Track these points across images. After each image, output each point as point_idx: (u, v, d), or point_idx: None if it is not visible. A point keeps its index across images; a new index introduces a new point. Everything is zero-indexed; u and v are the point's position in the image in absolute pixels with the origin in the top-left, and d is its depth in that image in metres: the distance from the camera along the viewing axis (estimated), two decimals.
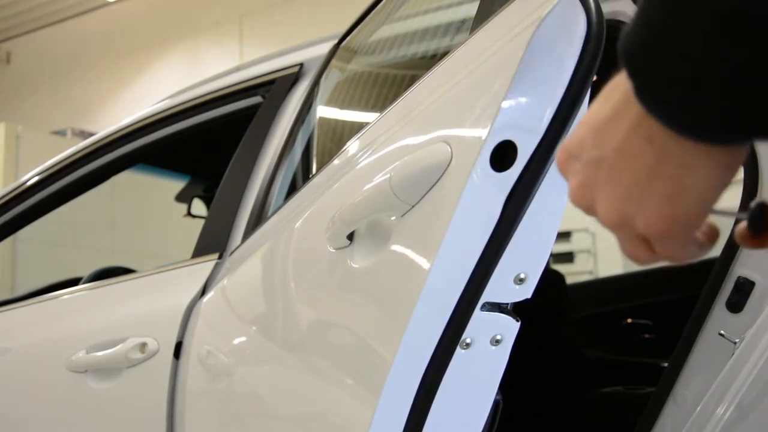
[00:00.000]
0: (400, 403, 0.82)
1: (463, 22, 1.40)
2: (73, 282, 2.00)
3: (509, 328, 0.84)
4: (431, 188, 0.83)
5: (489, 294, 0.82)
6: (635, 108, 0.38)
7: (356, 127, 1.37)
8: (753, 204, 0.37)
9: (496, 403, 0.89)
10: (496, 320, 0.84)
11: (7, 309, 1.71)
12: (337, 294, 0.97)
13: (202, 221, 1.79)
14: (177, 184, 2.74)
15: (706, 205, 0.38)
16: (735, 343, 0.95)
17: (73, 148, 1.91)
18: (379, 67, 1.70)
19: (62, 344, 1.48)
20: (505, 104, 0.79)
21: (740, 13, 0.31)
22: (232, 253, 1.41)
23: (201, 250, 1.50)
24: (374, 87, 1.67)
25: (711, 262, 1.12)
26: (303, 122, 1.56)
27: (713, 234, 0.41)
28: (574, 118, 0.79)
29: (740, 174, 1.05)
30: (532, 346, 2.28)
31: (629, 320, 2.66)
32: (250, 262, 1.29)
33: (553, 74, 0.79)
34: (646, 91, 0.36)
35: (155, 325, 1.40)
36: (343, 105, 1.67)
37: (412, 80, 1.02)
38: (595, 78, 0.81)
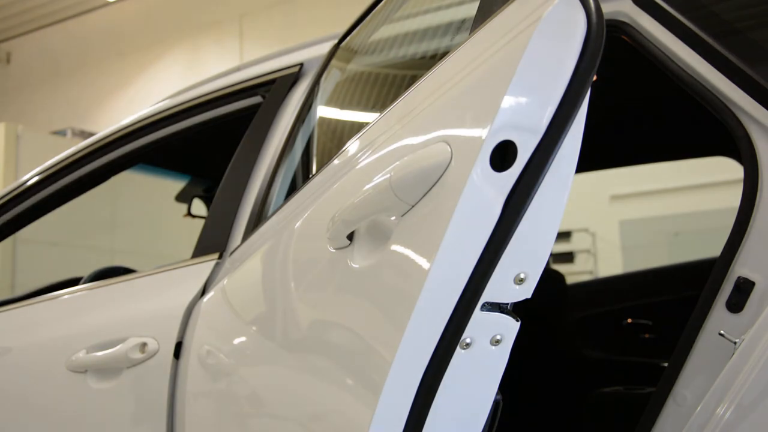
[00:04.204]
0: (400, 403, 0.82)
1: (463, 22, 1.40)
2: (73, 282, 2.00)
3: (509, 328, 0.84)
4: (431, 188, 0.83)
5: (489, 294, 0.82)
6: None
7: (356, 127, 1.37)
8: None
9: (496, 403, 0.89)
10: (496, 320, 0.84)
11: (7, 309, 1.71)
12: (337, 294, 0.97)
13: (202, 221, 1.79)
14: (177, 184, 2.74)
15: None
16: (735, 343, 0.95)
17: (73, 148, 1.91)
18: (379, 67, 1.70)
19: (62, 344, 1.48)
20: (505, 104, 0.79)
21: None
22: (232, 253, 1.41)
23: (201, 250, 1.50)
24: (374, 87, 1.67)
25: (711, 262, 1.12)
26: (303, 122, 1.56)
27: None
28: (574, 118, 0.79)
29: (740, 174, 1.05)
30: (532, 346, 2.29)
31: (629, 320, 2.66)
32: (250, 262, 1.29)
33: (553, 74, 0.79)
34: None
35: (155, 325, 1.40)
36: (343, 105, 1.67)
37: (412, 80, 1.02)
38: (594, 78, 0.81)
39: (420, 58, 1.60)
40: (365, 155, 1.02)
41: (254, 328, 1.17)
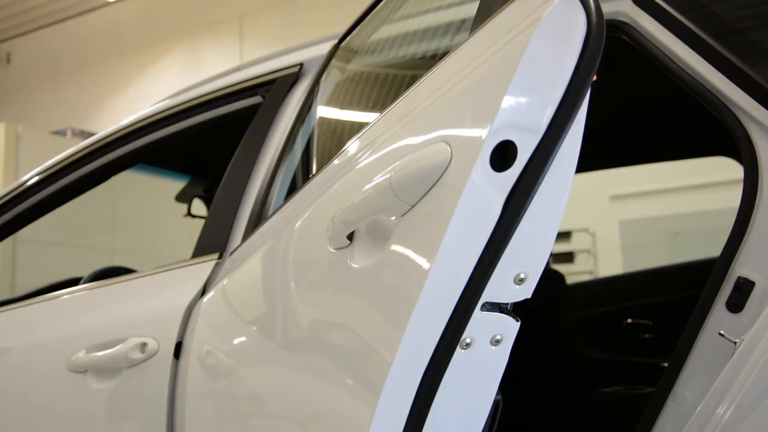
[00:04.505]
0: (400, 403, 0.82)
1: (463, 22, 1.40)
2: (73, 282, 2.00)
3: (509, 328, 0.84)
4: (431, 188, 0.83)
5: (489, 294, 0.82)
6: None
7: (356, 127, 1.37)
8: None
9: (496, 403, 0.89)
10: (496, 320, 0.84)
11: (7, 309, 1.71)
12: (337, 294, 0.97)
13: (202, 221, 1.79)
14: (177, 184, 2.74)
15: None
16: (735, 343, 0.95)
17: (73, 148, 1.91)
18: (379, 67, 1.70)
19: (62, 344, 1.48)
20: (505, 104, 0.79)
21: None
22: (232, 253, 1.41)
23: (201, 250, 1.50)
24: (374, 87, 1.67)
25: (711, 262, 1.12)
26: (303, 122, 1.56)
27: None
28: (574, 118, 0.79)
29: (740, 174, 1.05)
30: (532, 346, 2.29)
31: (629, 320, 2.66)
32: (250, 262, 1.29)
33: (553, 74, 0.79)
34: None
35: (155, 325, 1.40)
36: (343, 105, 1.67)
37: (412, 80, 1.02)
38: (594, 78, 0.81)
39: (420, 58, 1.60)
40: (365, 155, 1.02)
41: (254, 328, 1.17)
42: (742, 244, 1.00)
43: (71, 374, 1.43)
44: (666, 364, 1.05)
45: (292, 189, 1.50)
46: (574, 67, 0.79)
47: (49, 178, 1.89)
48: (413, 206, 0.85)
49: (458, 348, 0.82)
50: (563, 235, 7.11)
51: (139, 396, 1.37)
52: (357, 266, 0.92)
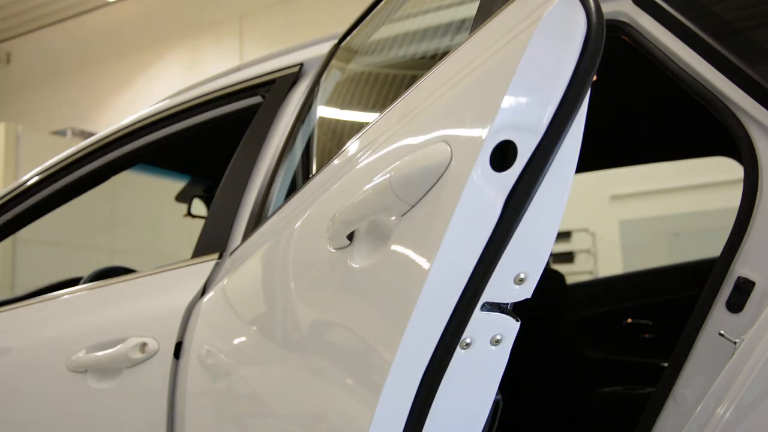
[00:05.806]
0: (400, 403, 0.82)
1: (463, 22, 1.40)
2: (73, 282, 2.00)
3: (509, 328, 0.84)
4: (431, 188, 0.83)
5: (489, 294, 0.82)
6: None
7: (356, 127, 1.37)
8: None
9: (496, 403, 0.89)
10: (496, 320, 0.84)
11: (7, 309, 1.71)
12: (337, 294, 0.97)
13: (202, 221, 1.79)
14: (177, 184, 2.74)
15: None
16: (735, 343, 0.95)
17: (73, 148, 1.91)
18: (379, 67, 1.70)
19: (62, 344, 1.48)
20: (505, 104, 0.79)
21: None
22: (232, 253, 1.41)
23: (201, 250, 1.50)
24: (374, 87, 1.67)
25: (711, 262, 1.12)
26: (303, 122, 1.56)
27: None
28: (574, 118, 0.79)
29: (740, 174, 1.05)
30: (532, 346, 2.29)
31: (629, 320, 2.66)
32: (250, 262, 1.29)
33: (553, 74, 0.79)
34: None
35: (155, 325, 1.40)
36: (343, 105, 1.67)
37: (413, 80, 1.02)
38: (595, 78, 0.81)
39: (420, 58, 1.60)
40: (365, 155, 1.02)
41: (254, 328, 1.17)
42: (742, 244, 1.00)
43: (71, 374, 1.43)
44: (666, 364, 1.05)
45: (292, 189, 1.50)
46: (574, 67, 0.79)
47: (49, 178, 1.89)
48: (413, 206, 0.85)
49: (458, 348, 0.82)
50: (563, 235, 7.11)
51: (139, 396, 1.37)
52: (357, 266, 0.92)
